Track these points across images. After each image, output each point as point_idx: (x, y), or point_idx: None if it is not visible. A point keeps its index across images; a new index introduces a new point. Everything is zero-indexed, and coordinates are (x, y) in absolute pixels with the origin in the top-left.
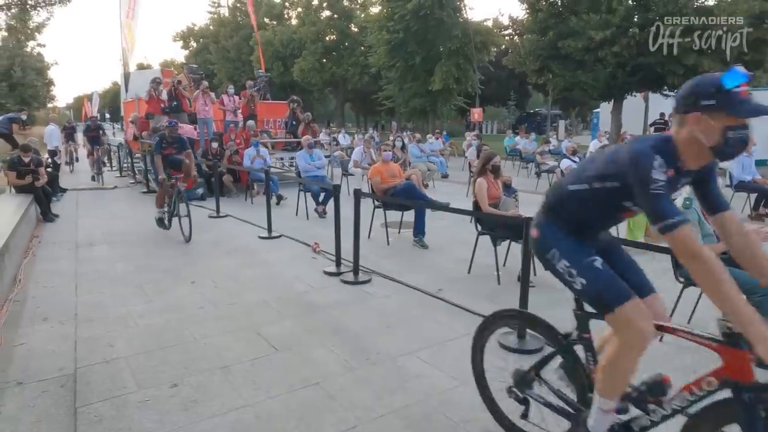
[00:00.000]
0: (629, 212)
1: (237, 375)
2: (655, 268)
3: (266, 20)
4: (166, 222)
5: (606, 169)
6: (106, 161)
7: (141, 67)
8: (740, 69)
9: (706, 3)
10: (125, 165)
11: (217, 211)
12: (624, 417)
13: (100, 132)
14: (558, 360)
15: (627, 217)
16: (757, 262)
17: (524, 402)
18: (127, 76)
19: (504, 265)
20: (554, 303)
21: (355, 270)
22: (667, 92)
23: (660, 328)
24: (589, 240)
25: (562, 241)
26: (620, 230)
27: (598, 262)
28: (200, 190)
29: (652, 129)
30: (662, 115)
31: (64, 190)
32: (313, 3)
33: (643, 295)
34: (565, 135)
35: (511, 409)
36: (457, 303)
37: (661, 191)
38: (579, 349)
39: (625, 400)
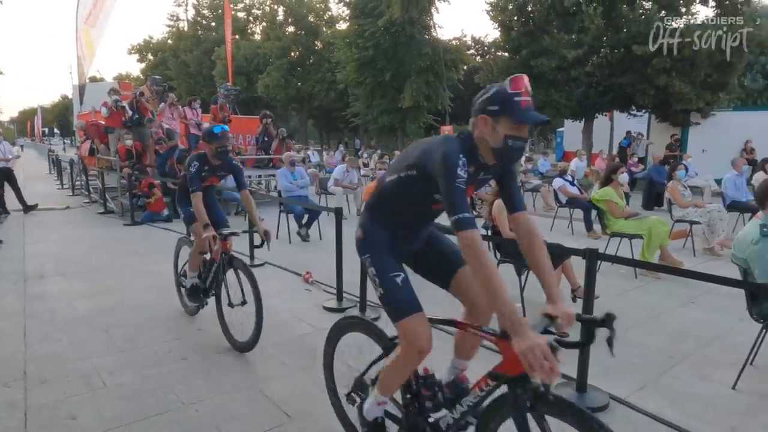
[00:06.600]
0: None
1: None
2: (671, 292)
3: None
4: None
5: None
6: None
7: (94, 80)
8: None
9: (674, 25)
10: (78, 183)
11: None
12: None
13: None
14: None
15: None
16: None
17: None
18: (82, 88)
19: (521, 295)
20: (602, 342)
21: (362, 306)
22: (635, 112)
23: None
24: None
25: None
26: (634, 252)
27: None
28: (165, 211)
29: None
30: (628, 133)
31: (7, 212)
32: (277, 18)
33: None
34: (541, 154)
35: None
36: (486, 343)
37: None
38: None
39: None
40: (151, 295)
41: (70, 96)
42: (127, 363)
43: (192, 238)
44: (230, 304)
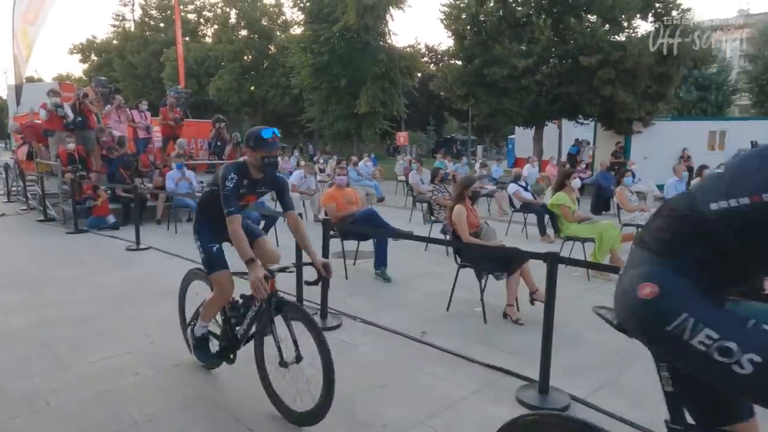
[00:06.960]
0: None
1: None
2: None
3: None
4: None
5: None
6: None
7: (31, 80)
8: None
9: (617, 38)
10: (14, 189)
11: (137, 242)
12: None
13: None
14: None
15: None
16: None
17: None
18: (18, 88)
19: (481, 299)
20: (560, 344)
21: (323, 313)
22: (582, 120)
23: None
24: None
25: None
26: (586, 255)
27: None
28: (112, 218)
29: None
30: (577, 140)
31: None
32: (230, 21)
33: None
34: (495, 160)
35: None
36: (450, 349)
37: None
38: None
39: None
40: (98, 307)
41: (4, 97)
42: (73, 380)
43: (213, 287)
44: (282, 363)
